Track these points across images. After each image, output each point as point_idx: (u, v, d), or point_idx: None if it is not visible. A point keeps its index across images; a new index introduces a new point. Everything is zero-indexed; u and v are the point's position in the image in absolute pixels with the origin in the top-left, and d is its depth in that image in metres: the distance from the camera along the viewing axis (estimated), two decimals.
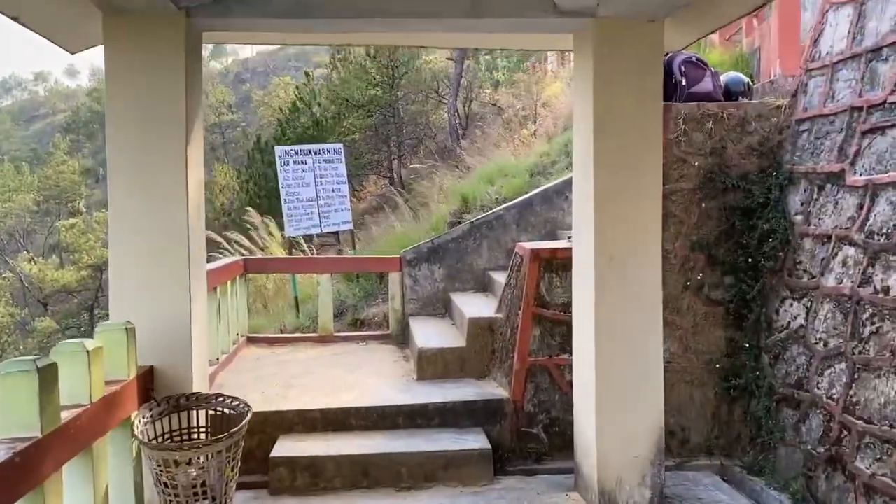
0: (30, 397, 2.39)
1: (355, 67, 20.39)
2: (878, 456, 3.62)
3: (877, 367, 3.73)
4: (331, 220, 8.79)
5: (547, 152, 9.58)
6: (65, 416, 2.61)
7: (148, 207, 3.57)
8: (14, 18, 3.34)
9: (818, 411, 4.19)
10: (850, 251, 4.13)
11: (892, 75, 4.05)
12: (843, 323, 4.08)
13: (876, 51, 4.23)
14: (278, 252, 9.66)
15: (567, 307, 4.76)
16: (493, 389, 5.06)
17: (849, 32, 4.53)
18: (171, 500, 3.25)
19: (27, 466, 2.31)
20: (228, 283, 6.25)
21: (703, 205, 4.97)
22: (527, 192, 7.46)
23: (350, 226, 9.31)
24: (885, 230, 3.86)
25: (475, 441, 4.52)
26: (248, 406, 3.60)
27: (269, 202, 15.63)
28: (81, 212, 36.76)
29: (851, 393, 3.90)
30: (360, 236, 12.14)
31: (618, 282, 3.92)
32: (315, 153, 8.79)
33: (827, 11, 4.84)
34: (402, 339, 6.76)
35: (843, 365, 4.02)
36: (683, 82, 5.15)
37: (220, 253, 9.24)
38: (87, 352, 2.82)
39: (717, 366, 4.93)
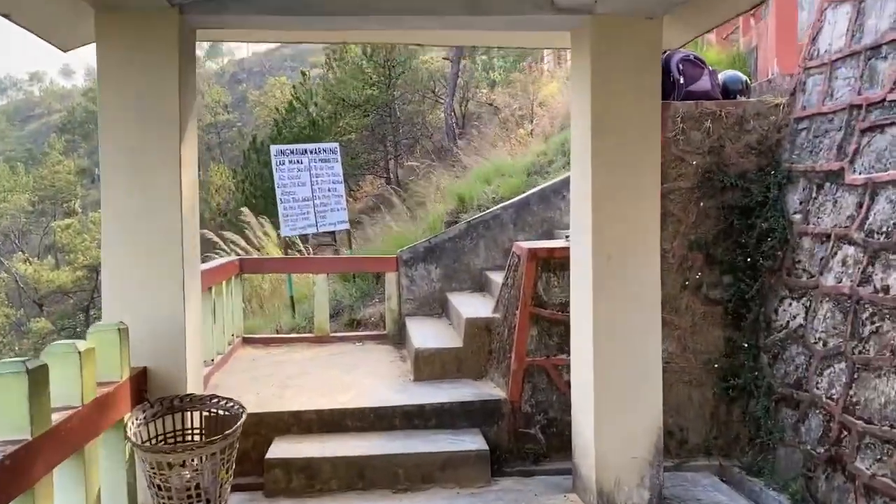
0: (19, 399, 2.35)
1: (351, 67, 20.35)
2: (879, 456, 3.60)
3: (877, 367, 3.70)
4: (327, 219, 8.76)
5: (544, 152, 9.55)
6: (56, 418, 2.57)
7: (142, 206, 3.53)
8: (5, 16, 3.29)
9: (818, 411, 4.16)
10: (850, 250, 4.10)
11: (891, 73, 4.03)
12: (842, 322, 4.06)
13: (875, 48, 4.21)
14: (274, 252, 9.61)
15: (565, 307, 4.73)
16: (490, 390, 5.03)
17: (848, 30, 4.51)
18: (164, 503, 3.21)
19: (17, 469, 2.27)
20: (224, 283, 6.21)
21: (702, 204, 4.94)
22: (524, 192, 7.43)
23: (346, 225, 9.28)
24: (884, 229, 3.83)
25: (472, 442, 4.48)
26: (243, 407, 3.57)
27: (265, 202, 15.59)
28: (77, 212, 36.65)
29: (851, 393, 3.87)
30: (357, 236, 12.10)
31: (616, 281, 3.89)
32: (311, 152, 8.76)
33: (825, 9, 4.82)
34: (398, 339, 6.72)
35: (842, 364, 4.00)
36: (681, 81, 5.12)
37: (217, 253, 9.20)
38: (79, 353, 2.78)
39: (716, 366, 4.90)
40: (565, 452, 4.49)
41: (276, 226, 9.18)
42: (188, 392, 3.59)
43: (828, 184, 4.43)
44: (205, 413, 3.63)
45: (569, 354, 4.47)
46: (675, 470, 4.66)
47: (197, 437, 3.60)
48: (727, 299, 4.93)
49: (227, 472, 3.38)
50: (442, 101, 20.36)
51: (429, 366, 5.35)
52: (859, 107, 4.25)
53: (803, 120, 4.80)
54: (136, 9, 3.47)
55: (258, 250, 9.63)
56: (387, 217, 11.30)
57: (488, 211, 7.15)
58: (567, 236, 4.79)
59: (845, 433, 3.87)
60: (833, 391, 4.04)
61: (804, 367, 4.35)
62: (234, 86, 56.37)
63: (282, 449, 4.39)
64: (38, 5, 3.40)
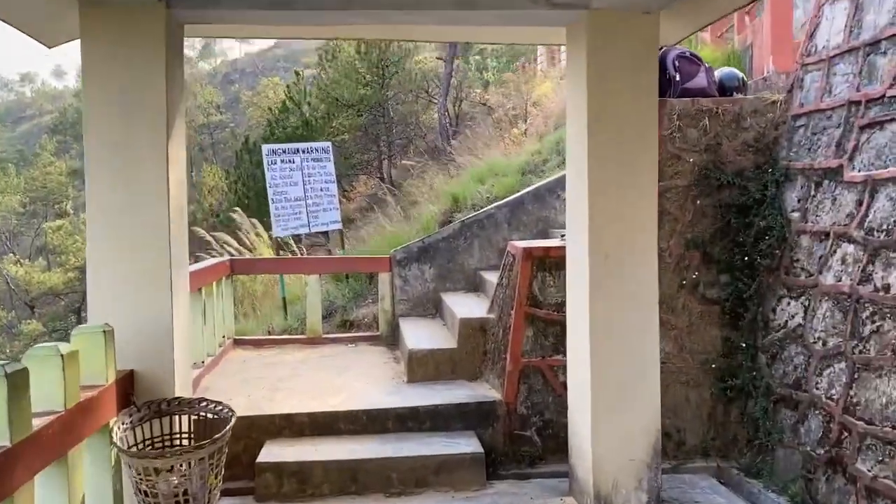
0: None
1: (345, 66, 20.27)
2: (880, 458, 3.54)
3: (878, 367, 3.65)
4: (319, 220, 8.67)
5: (538, 151, 9.49)
6: (37, 423, 2.48)
7: (128, 205, 3.44)
8: None
9: (817, 412, 4.10)
10: (850, 248, 4.05)
11: (890, 69, 3.97)
12: (842, 322, 4.00)
13: (874, 44, 4.15)
14: (266, 253, 9.52)
15: (560, 307, 4.66)
16: (485, 391, 4.96)
17: (846, 26, 4.45)
18: None
19: None
20: (214, 284, 6.12)
21: (698, 202, 4.88)
22: (518, 191, 7.37)
23: (339, 226, 9.19)
24: (885, 227, 3.78)
25: (467, 444, 4.42)
26: (232, 411, 3.48)
27: (258, 203, 15.51)
28: (68, 213, 36.41)
29: (852, 393, 3.81)
30: (350, 237, 12.01)
31: (613, 280, 3.82)
32: (303, 152, 8.67)
33: (823, 5, 4.77)
34: (392, 340, 6.65)
35: (842, 364, 3.94)
36: (677, 77, 5.06)
37: (210, 253, 9.11)
38: (62, 356, 2.69)
39: (714, 366, 4.84)
40: (561, 455, 4.43)
41: (269, 226, 9.09)
42: (176, 395, 3.50)
43: (826, 181, 4.37)
44: (193, 417, 3.54)
45: (565, 355, 4.40)
46: (673, 472, 4.60)
47: (185, 442, 3.51)
48: (725, 298, 4.87)
49: (216, 478, 3.29)
50: (435, 100, 20.31)
51: (423, 367, 5.28)
52: (858, 103, 4.19)
53: (801, 117, 4.75)
54: (122, 3, 3.38)
55: (251, 251, 9.54)
56: (380, 217, 11.22)
57: (482, 210, 7.08)
58: (562, 235, 4.73)
59: (846, 434, 3.82)
60: (833, 391, 3.98)
61: (803, 367, 4.30)
62: (227, 86, 56.17)
63: (273, 452, 4.31)
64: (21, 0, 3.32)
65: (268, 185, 8.46)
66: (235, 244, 9.48)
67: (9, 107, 78.10)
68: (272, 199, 8.43)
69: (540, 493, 4.23)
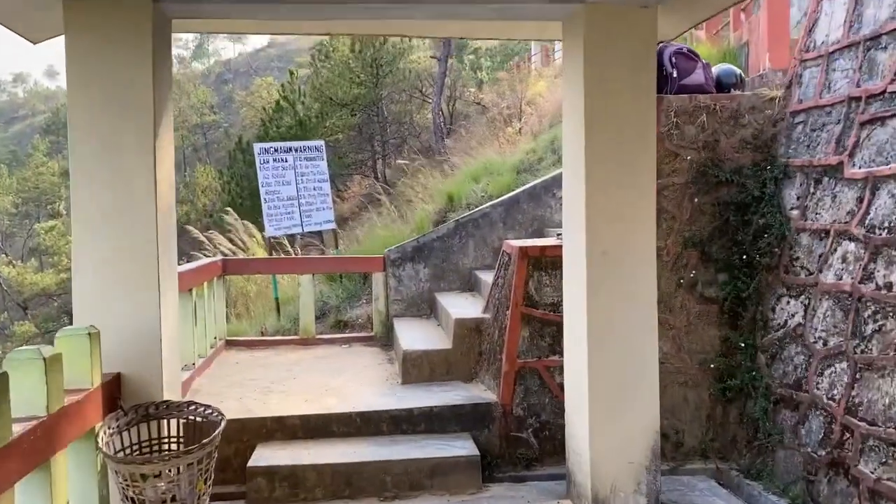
0: None
1: (339, 66, 20.19)
2: (884, 459, 3.47)
3: (880, 367, 3.58)
4: (312, 219, 8.59)
5: (533, 149, 9.44)
6: (17, 429, 2.40)
7: (114, 204, 3.35)
8: None
9: (818, 413, 4.04)
10: (850, 246, 3.98)
11: (891, 64, 3.91)
12: (843, 321, 3.94)
13: (874, 38, 4.09)
14: (260, 253, 9.44)
15: (557, 307, 4.60)
16: (480, 393, 4.89)
17: (845, 20, 4.39)
18: None
19: None
20: (205, 284, 6.03)
21: (696, 200, 4.81)
22: (513, 190, 7.30)
23: (332, 225, 9.10)
24: (886, 224, 3.72)
25: (462, 447, 4.34)
26: (222, 414, 3.39)
27: (252, 203, 15.42)
28: (61, 214, 36.19)
29: (854, 393, 3.75)
30: (344, 237, 11.94)
31: (611, 279, 3.75)
32: (296, 150, 8.58)
33: (822, 0, 4.70)
34: (386, 340, 6.58)
35: (844, 364, 3.88)
36: (674, 74, 5.00)
37: (204, 253, 9.02)
38: (44, 359, 2.60)
39: (712, 366, 4.78)
40: (559, 457, 4.37)
41: (263, 226, 9.00)
42: (165, 398, 3.41)
43: (826, 178, 4.31)
44: (182, 420, 3.46)
45: (561, 356, 4.32)
46: (671, 473, 4.53)
47: (174, 446, 3.43)
48: (723, 298, 4.80)
49: (205, 483, 3.21)
50: (430, 100, 20.25)
51: (417, 368, 5.21)
52: (858, 99, 4.13)
53: (800, 113, 4.68)
54: None
55: (244, 251, 9.45)
56: (374, 217, 11.15)
57: (477, 209, 7.02)
58: (559, 234, 4.66)
59: (848, 435, 3.75)
60: (834, 392, 3.92)
61: (803, 366, 4.23)
62: (221, 86, 56.01)
63: (265, 456, 4.23)
64: None
65: (260, 185, 8.37)
66: (229, 244, 9.40)
67: (1, 107, 77.82)
68: (265, 199, 8.34)
69: (537, 496, 4.16)
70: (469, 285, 6.63)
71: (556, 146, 8.41)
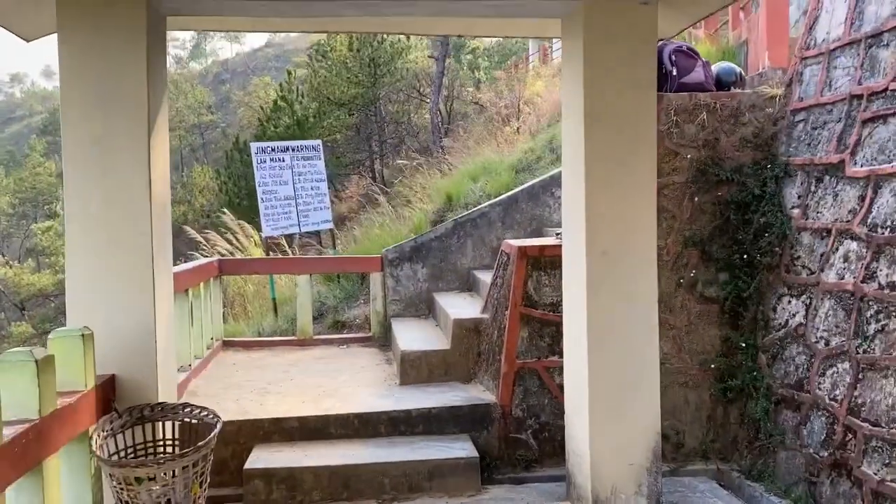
0: None
1: (336, 65, 20.15)
2: (887, 460, 3.44)
3: (883, 367, 3.55)
4: (310, 219, 8.54)
5: (531, 149, 9.38)
6: (8, 432, 2.35)
7: (107, 203, 3.30)
8: None
9: (820, 413, 4.01)
10: (852, 245, 3.95)
11: (893, 61, 3.88)
12: (845, 320, 3.90)
13: (876, 36, 4.06)
14: (257, 253, 9.39)
15: (556, 307, 4.56)
16: (479, 394, 4.85)
17: (846, 18, 4.36)
18: None
19: None
20: (202, 284, 5.99)
21: (696, 199, 4.78)
22: (512, 189, 7.26)
23: (330, 225, 9.06)
24: (889, 223, 3.68)
25: (461, 449, 4.30)
26: (218, 416, 3.35)
27: (249, 203, 15.39)
28: (58, 214, 36.10)
29: (856, 394, 3.71)
30: (342, 237, 11.88)
31: (611, 279, 3.70)
32: (293, 150, 8.53)
33: None
34: (384, 341, 6.54)
35: (846, 364, 3.84)
36: (674, 72, 4.96)
37: (201, 253, 8.96)
38: (36, 361, 2.55)
39: (713, 366, 4.74)
40: (558, 458, 4.33)
41: (260, 226, 8.96)
42: (160, 400, 3.37)
43: (827, 177, 4.28)
44: (178, 423, 3.41)
45: (561, 356, 4.28)
46: (672, 475, 4.49)
47: (169, 449, 3.38)
48: (724, 297, 4.77)
49: (200, 486, 3.16)
50: (427, 100, 20.22)
51: (415, 369, 5.17)
52: (860, 97, 4.10)
53: (800, 111, 4.65)
54: None
55: (241, 251, 9.40)
56: (372, 217, 11.09)
57: (476, 209, 6.97)
58: (558, 234, 4.62)
59: (850, 436, 3.72)
60: (836, 392, 3.88)
61: (805, 367, 4.20)
62: (218, 86, 55.97)
63: (262, 458, 4.19)
64: None
65: (257, 185, 8.32)
66: (226, 245, 9.35)
67: None
68: (262, 198, 8.29)
69: (536, 497, 4.12)
70: (467, 285, 6.59)
71: (554, 145, 8.37)
